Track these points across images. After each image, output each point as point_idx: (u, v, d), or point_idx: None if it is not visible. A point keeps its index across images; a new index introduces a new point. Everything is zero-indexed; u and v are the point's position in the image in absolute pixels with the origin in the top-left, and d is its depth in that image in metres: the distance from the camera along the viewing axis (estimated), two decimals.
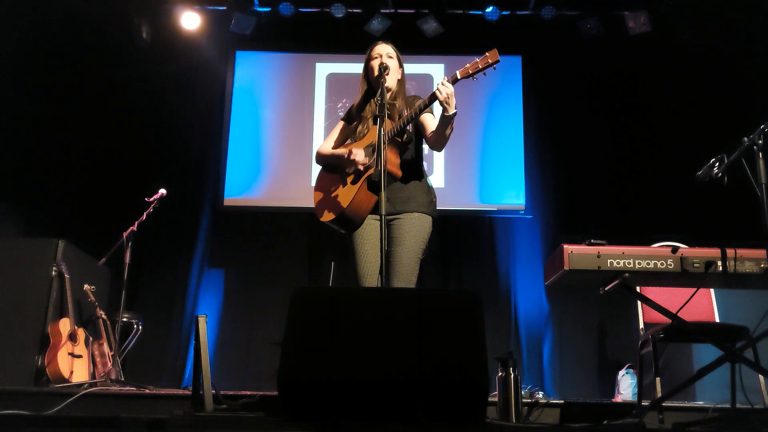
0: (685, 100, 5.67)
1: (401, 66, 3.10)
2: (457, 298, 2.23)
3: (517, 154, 6.00)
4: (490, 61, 2.73)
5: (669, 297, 3.03)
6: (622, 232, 3.06)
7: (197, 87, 6.20)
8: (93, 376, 4.23)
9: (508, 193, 5.95)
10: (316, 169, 3.23)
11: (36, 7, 5.46)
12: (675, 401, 3.28)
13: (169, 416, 2.25)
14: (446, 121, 2.82)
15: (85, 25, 5.61)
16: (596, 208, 5.70)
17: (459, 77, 2.78)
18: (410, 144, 2.98)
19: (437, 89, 2.74)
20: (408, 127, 2.89)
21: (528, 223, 5.91)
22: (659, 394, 2.93)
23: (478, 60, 2.76)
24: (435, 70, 6.17)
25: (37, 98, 5.63)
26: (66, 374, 4.02)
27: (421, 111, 2.85)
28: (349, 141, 3.15)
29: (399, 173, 2.91)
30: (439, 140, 2.93)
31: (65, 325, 4.15)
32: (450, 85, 2.74)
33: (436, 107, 2.86)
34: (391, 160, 2.86)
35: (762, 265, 2.53)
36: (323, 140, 3.26)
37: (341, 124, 3.20)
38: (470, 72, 2.76)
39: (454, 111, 2.78)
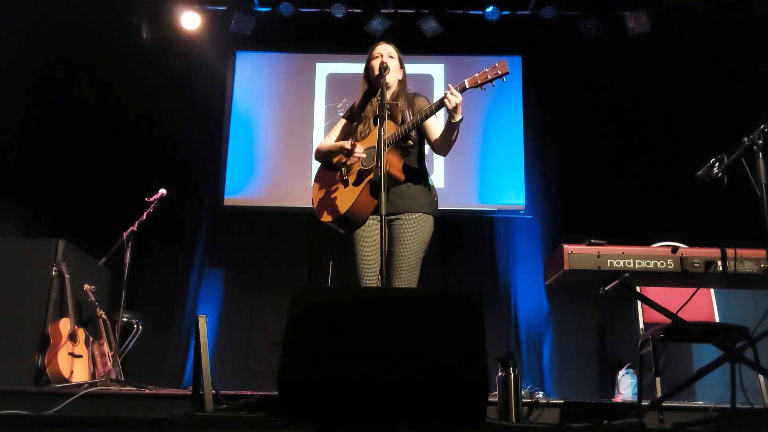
0: (685, 100, 5.67)
1: (402, 66, 3.09)
2: (457, 298, 2.22)
3: (517, 154, 6.00)
4: (499, 72, 2.71)
5: (669, 297, 3.02)
6: (622, 232, 3.05)
7: (197, 87, 6.20)
8: (93, 376, 4.23)
9: (508, 193, 5.95)
10: (316, 168, 3.21)
11: (36, 8, 5.46)
12: (675, 401, 3.28)
13: (169, 416, 2.25)
14: (452, 127, 2.83)
15: (85, 25, 5.60)
16: (596, 208, 5.69)
17: (467, 86, 2.76)
18: (413, 147, 2.97)
19: (446, 98, 2.72)
20: (412, 132, 2.89)
21: (528, 223, 5.90)
22: (659, 394, 2.93)
23: (487, 70, 2.73)
24: (435, 71, 6.17)
25: (37, 98, 5.63)
26: (66, 374, 4.02)
27: (427, 116, 2.84)
28: (350, 140, 3.14)
29: (402, 177, 2.90)
30: (444, 146, 2.95)
31: (65, 325, 4.15)
32: (459, 94, 2.73)
33: (440, 111, 2.86)
34: (394, 164, 2.86)
35: (762, 265, 2.53)
36: (323, 138, 3.25)
37: (342, 122, 3.19)
38: (479, 82, 2.75)
39: (461, 117, 2.78)
